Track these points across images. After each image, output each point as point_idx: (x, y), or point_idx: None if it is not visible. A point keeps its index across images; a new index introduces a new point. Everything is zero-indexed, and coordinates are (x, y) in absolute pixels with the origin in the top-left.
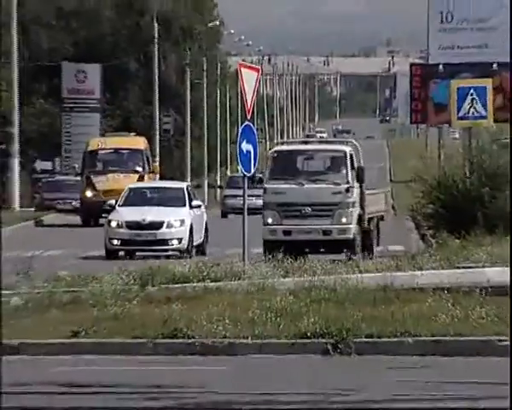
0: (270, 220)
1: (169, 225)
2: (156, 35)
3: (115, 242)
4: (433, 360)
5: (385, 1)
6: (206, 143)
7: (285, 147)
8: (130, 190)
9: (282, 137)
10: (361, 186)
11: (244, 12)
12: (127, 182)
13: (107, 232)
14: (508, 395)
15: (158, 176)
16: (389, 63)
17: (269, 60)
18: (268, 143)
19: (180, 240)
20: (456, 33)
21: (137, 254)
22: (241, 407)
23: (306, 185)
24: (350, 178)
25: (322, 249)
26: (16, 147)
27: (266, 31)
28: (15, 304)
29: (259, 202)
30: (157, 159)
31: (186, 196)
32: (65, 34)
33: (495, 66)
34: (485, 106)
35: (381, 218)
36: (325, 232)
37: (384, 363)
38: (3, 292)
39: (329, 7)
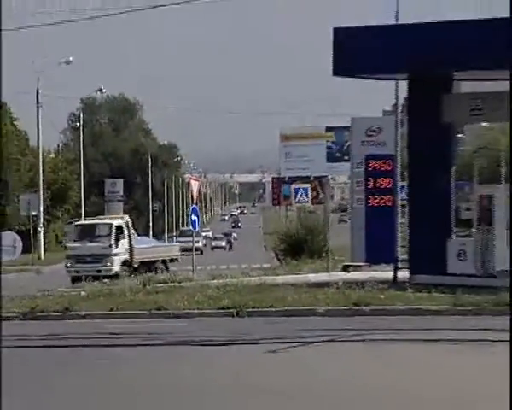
0: (68, 264)
1: None
2: (150, 165)
3: None
4: (286, 319)
5: (260, 145)
6: (174, 215)
7: (81, 222)
8: None
9: (211, 213)
10: (130, 242)
11: (194, 150)
12: None
13: None
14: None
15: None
16: (262, 176)
17: (204, 175)
18: (204, 215)
19: None
20: (294, 162)
21: None
22: (190, 343)
23: (88, 244)
24: (113, 239)
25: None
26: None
27: (204, 160)
28: (83, 295)
29: (190, 244)
30: (150, 224)
31: None
32: (106, 165)
33: (312, 178)
34: (307, 197)
35: (176, 259)
36: (98, 271)
37: (261, 321)
38: (77, 289)
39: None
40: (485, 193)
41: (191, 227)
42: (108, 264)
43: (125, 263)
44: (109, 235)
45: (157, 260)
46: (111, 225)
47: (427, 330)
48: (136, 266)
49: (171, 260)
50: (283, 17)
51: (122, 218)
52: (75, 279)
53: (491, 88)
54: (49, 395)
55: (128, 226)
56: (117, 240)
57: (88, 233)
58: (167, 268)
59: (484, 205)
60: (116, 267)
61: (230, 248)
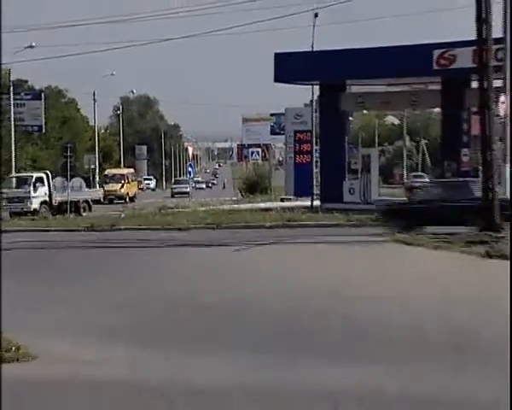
0: (3, 203)
1: None
2: (163, 137)
3: None
4: (246, 230)
5: (230, 124)
6: (178, 168)
7: (13, 175)
8: None
9: (199, 167)
10: (49, 188)
11: (190, 126)
12: (117, 187)
13: None
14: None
15: (135, 184)
16: (231, 144)
17: (196, 143)
18: (196, 168)
19: None
20: (250, 135)
21: None
22: (188, 244)
23: (14, 190)
24: (31, 186)
25: (24, 215)
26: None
27: (195, 133)
28: (122, 216)
29: (186, 189)
30: (164, 174)
31: None
32: (136, 137)
33: (261, 144)
34: (259, 156)
35: (99, 200)
36: (22, 208)
37: (231, 232)
38: (119, 213)
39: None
40: (365, 153)
41: (188, 175)
42: (28, 203)
43: (44, 203)
44: (29, 183)
45: (79, 201)
46: (32, 176)
47: (330, 236)
48: (56, 204)
49: (95, 201)
50: (243, 45)
51: (42, 172)
52: (11, 214)
53: (368, 89)
54: (103, 273)
55: (48, 177)
56: (35, 187)
57: (17, 182)
58: (90, 207)
59: (364, 160)
60: (34, 206)
61: (224, 187)
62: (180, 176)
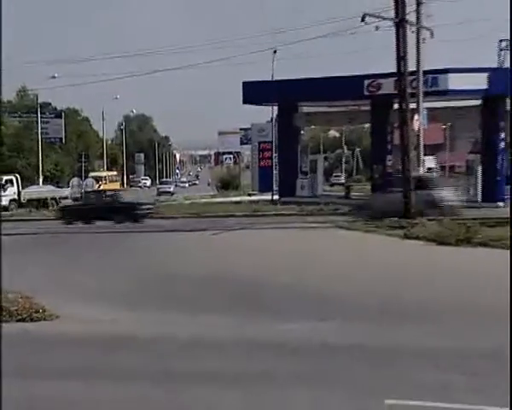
0: None
1: None
2: (156, 146)
3: None
4: (221, 219)
5: (209, 135)
6: (168, 171)
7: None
8: None
9: (184, 170)
10: (18, 188)
11: (178, 138)
12: (95, 187)
13: None
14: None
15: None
16: (209, 151)
17: (182, 151)
18: (178, 172)
19: None
20: (225, 144)
21: None
22: (175, 230)
23: None
24: (1, 188)
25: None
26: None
27: (182, 143)
28: None
29: (169, 189)
30: (157, 176)
31: None
32: (135, 147)
33: (233, 152)
34: (231, 161)
35: (66, 197)
36: None
37: (209, 220)
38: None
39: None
40: (313, 159)
41: (175, 176)
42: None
43: (13, 200)
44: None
45: (46, 198)
46: (1, 179)
47: (285, 223)
48: (24, 202)
49: (62, 198)
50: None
51: (12, 175)
52: None
53: (315, 110)
54: (111, 252)
55: (17, 179)
56: (4, 188)
57: None
58: (57, 203)
59: (312, 164)
60: (4, 203)
61: (209, 185)
62: (170, 177)
